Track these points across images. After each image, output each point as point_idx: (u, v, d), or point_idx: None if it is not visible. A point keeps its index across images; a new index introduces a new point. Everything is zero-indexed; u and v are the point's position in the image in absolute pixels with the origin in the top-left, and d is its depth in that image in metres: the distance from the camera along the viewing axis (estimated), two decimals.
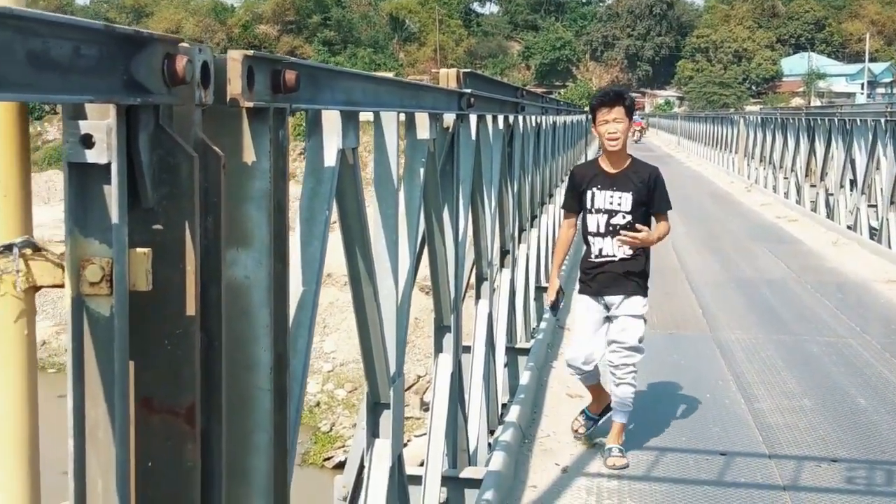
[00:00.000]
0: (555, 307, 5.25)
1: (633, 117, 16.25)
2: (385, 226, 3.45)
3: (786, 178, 19.83)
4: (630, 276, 4.84)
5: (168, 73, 1.54)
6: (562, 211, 5.30)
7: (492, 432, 6.09)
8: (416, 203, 3.86)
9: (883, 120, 13.24)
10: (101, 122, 1.47)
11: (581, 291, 5.03)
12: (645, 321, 4.85)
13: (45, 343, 20.51)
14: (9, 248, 1.50)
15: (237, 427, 1.96)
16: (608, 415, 5.10)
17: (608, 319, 4.90)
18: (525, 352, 7.33)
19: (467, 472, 5.01)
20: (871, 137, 13.73)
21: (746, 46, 79.46)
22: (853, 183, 14.75)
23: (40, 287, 1.55)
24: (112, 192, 1.48)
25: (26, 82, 1.22)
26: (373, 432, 3.54)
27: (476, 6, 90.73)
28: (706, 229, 14.87)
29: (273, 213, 2.02)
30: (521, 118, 7.81)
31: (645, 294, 4.88)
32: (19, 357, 1.55)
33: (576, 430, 5.32)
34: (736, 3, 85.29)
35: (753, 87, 77.93)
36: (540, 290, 8.96)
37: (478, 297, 6.15)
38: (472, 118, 5.24)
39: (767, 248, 12.93)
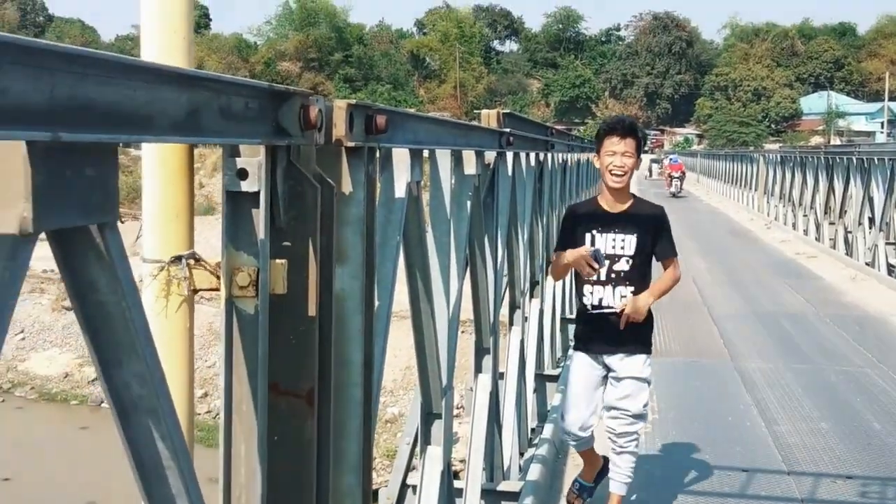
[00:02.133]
0: (596, 253, 4.28)
1: (672, 158, 16.47)
2: (439, 251, 3.83)
3: (805, 215, 20.15)
4: (633, 332, 4.28)
5: (303, 120, 1.93)
6: (554, 254, 4.63)
7: (521, 454, 6.42)
8: (464, 232, 4.24)
9: None
10: (252, 158, 1.86)
11: (576, 348, 4.48)
12: (649, 384, 4.36)
13: (69, 375, 20.82)
14: (178, 259, 1.88)
15: (337, 413, 2.33)
16: (603, 481, 4.64)
17: (605, 379, 4.37)
18: (553, 378, 7.67)
19: (504, 486, 5.35)
20: (889, 175, 14.06)
21: (766, 85, 79.93)
22: (871, 220, 15.06)
23: (199, 290, 1.93)
24: (260, 215, 1.87)
25: (218, 130, 1.61)
26: (426, 440, 3.90)
27: (496, 44, 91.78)
28: (727, 265, 15.18)
29: (365, 236, 2.40)
30: (549, 155, 8.21)
31: (649, 351, 4.34)
32: (182, 342, 1.93)
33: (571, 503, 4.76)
34: (755, 41, 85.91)
35: (773, 126, 78.25)
36: (565, 322, 9.31)
37: (511, 324, 6.51)
38: (509, 155, 5.63)
39: (787, 283, 13.24)
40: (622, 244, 4.29)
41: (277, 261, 1.94)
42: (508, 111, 5.50)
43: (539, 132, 7.47)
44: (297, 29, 72.26)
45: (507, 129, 5.24)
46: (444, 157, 3.78)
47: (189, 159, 1.91)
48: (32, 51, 1.08)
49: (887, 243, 14.18)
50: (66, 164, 1.19)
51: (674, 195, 33.73)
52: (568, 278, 5.52)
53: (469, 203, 4.31)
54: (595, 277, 4.28)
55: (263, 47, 73.84)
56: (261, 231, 1.88)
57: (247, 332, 1.89)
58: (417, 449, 6.01)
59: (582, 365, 4.41)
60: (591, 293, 4.32)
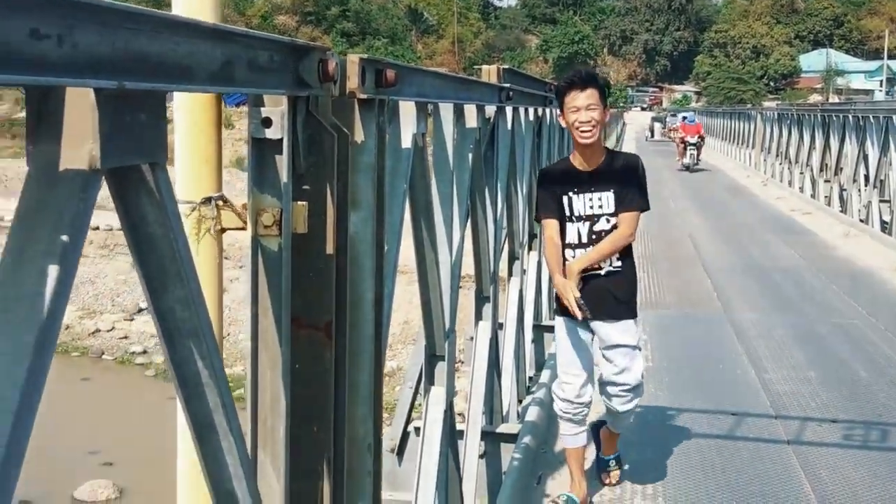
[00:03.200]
0: (582, 304, 3.96)
1: (687, 117, 15.83)
2: (442, 202, 3.99)
3: (801, 172, 20.29)
4: (619, 295, 4.13)
5: (322, 73, 2.08)
6: (542, 219, 4.28)
7: (520, 402, 6.64)
8: (466, 184, 4.40)
9: (895, 117, 13.69)
10: (275, 108, 2.02)
11: (561, 313, 4.21)
12: (640, 350, 4.21)
13: (69, 327, 20.97)
14: (208, 200, 2.05)
15: (351, 347, 2.51)
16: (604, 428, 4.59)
17: (593, 340, 4.24)
18: (550, 329, 7.87)
19: (503, 428, 5.57)
20: (883, 133, 14.18)
21: (765, 42, 79.62)
22: (866, 178, 15.20)
23: (226, 229, 2.10)
24: (283, 160, 2.03)
25: (247, 81, 1.77)
26: (429, 380, 4.09)
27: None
28: (722, 221, 15.36)
29: (375, 183, 2.57)
30: (548, 111, 8.35)
31: (636, 315, 4.20)
32: (212, 276, 2.10)
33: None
34: None
35: (771, 83, 78.09)
36: None
37: (510, 275, 6.70)
38: (509, 110, 5.78)
39: (781, 238, 13.42)
40: (600, 202, 4.09)
41: (298, 203, 2.11)
42: (508, 67, 5.63)
43: (538, 88, 7.60)
44: None
45: (507, 85, 5.38)
46: (446, 111, 3.93)
47: (217, 111, 2.06)
48: (98, 9, 1.24)
49: (881, 200, 14.34)
50: (125, 109, 1.35)
51: (688, 168, 25.13)
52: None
53: (470, 156, 4.47)
54: (576, 240, 4.12)
55: (260, 0, 73.33)
56: (284, 175, 2.04)
57: (271, 268, 2.06)
58: (419, 397, 6.23)
59: (568, 330, 4.19)
60: (573, 257, 4.12)
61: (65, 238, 1.25)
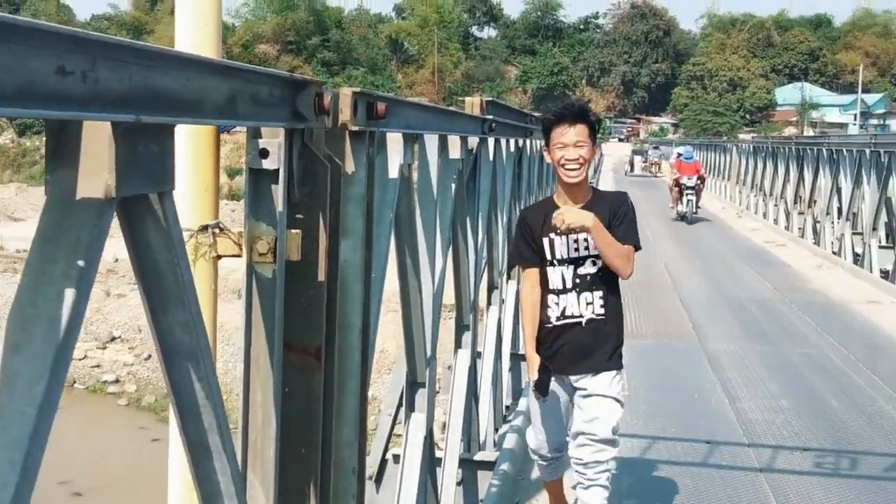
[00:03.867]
0: (543, 386, 3.89)
1: (683, 153, 14.97)
2: (425, 231, 4.07)
3: (776, 204, 20.56)
4: (600, 347, 3.82)
5: (317, 106, 2.17)
6: (520, 268, 4.20)
7: (496, 430, 6.70)
8: (448, 213, 4.48)
9: (867, 150, 13.95)
10: (273, 140, 2.10)
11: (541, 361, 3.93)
12: (621, 405, 3.83)
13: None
14: (205, 228, 2.12)
15: (339, 372, 2.58)
16: None
17: (573, 398, 3.91)
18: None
19: (481, 456, 5.63)
20: (856, 166, 14.43)
21: (741, 75, 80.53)
22: (839, 210, 15.44)
23: (221, 256, 2.17)
24: (279, 189, 2.11)
25: (250, 114, 1.86)
26: (410, 407, 4.15)
27: (474, 30, 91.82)
28: (698, 252, 15.53)
29: (365, 211, 2.65)
30: (528, 141, 8.47)
31: (620, 366, 3.85)
32: (207, 301, 2.17)
33: None
34: (732, 32, 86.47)
35: (747, 116, 78.93)
36: None
37: (488, 304, 6.78)
38: (491, 141, 5.88)
39: (755, 269, 13.59)
40: (585, 244, 3.81)
41: (293, 231, 2.18)
42: (491, 99, 5.75)
43: (519, 119, 7.72)
44: (276, 11, 72.00)
45: (490, 116, 5.49)
46: (431, 142, 4.03)
47: (216, 142, 2.14)
48: (118, 47, 1.32)
49: (854, 233, 14.56)
50: (139, 141, 1.43)
51: (683, 218, 19.73)
52: None
53: (453, 186, 4.56)
54: (559, 285, 3.85)
55: (241, 29, 73.50)
56: (279, 204, 2.12)
57: (265, 293, 2.13)
58: (397, 425, 6.28)
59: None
60: (556, 303, 3.86)
61: (81, 263, 1.32)
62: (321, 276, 2.28)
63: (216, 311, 2.21)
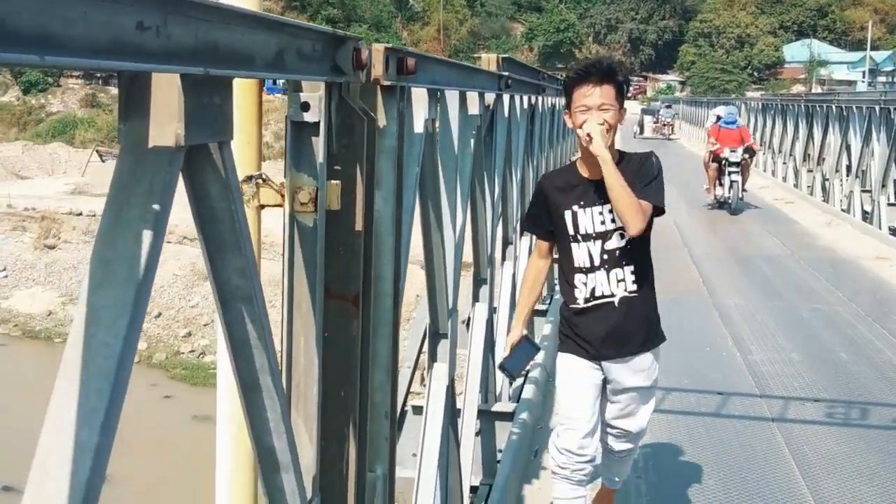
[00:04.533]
0: (510, 367, 3.74)
1: (725, 117, 12.11)
2: (447, 185, 4.15)
3: (784, 162, 20.55)
4: (634, 329, 3.50)
5: (356, 61, 2.24)
6: (517, 252, 3.95)
7: (511, 383, 6.82)
8: (468, 168, 4.56)
9: (877, 108, 13.94)
10: (314, 94, 2.18)
11: (564, 350, 3.60)
12: (656, 389, 3.66)
13: (52, 313, 20.94)
14: (249, 178, 2.21)
15: (373, 318, 2.67)
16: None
17: (605, 385, 3.57)
18: (542, 313, 8.07)
19: (498, 406, 5.76)
20: (865, 124, 14.43)
21: (749, 32, 79.94)
22: (848, 168, 15.46)
23: (265, 206, 2.26)
24: (320, 141, 2.19)
25: (295, 68, 1.93)
26: (433, 357, 4.26)
27: None
28: (706, 210, 15.57)
29: (396, 164, 2.73)
30: (540, 99, 8.52)
31: (658, 345, 3.57)
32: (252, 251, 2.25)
33: None
34: None
35: (755, 74, 78.46)
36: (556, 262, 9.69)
37: (503, 259, 6.87)
38: (506, 98, 5.94)
39: (765, 227, 13.66)
40: (612, 215, 3.42)
41: (332, 182, 2.27)
42: (507, 56, 5.80)
43: (532, 76, 7.77)
44: None
45: (507, 73, 5.55)
46: (452, 98, 4.10)
47: (258, 94, 2.22)
48: (185, 4, 1.40)
49: (862, 190, 14.59)
50: (204, 93, 1.51)
51: (723, 205, 14.81)
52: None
53: (472, 141, 4.63)
54: (586, 263, 3.47)
55: None
56: (320, 155, 2.20)
57: (306, 242, 2.22)
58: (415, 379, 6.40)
59: (575, 372, 3.53)
60: (584, 283, 3.49)
61: (156, 206, 1.41)
62: (359, 226, 2.36)
63: (259, 260, 2.30)
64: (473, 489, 5.01)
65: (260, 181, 2.23)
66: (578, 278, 3.50)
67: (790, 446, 4.85)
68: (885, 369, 6.38)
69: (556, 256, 3.78)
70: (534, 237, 4.28)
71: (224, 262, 1.75)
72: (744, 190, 15.09)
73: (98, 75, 49.76)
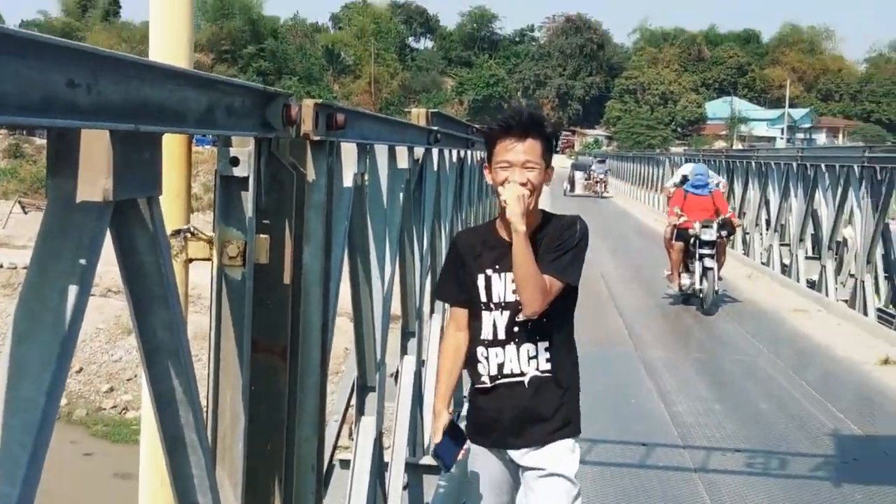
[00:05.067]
0: (445, 454, 3.24)
1: (698, 177, 10.81)
2: (375, 238, 4.19)
3: None
4: (550, 408, 3.04)
5: (286, 117, 2.28)
6: (444, 306, 3.44)
7: None
8: (397, 222, 4.61)
9: (794, 164, 14.41)
10: (243, 149, 2.21)
11: (471, 436, 3.18)
12: (575, 484, 3.03)
13: None
14: (177, 232, 2.21)
15: (301, 371, 2.68)
16: None
17: (520, 473, 3.09)
18: None
19: (426, 460, 5.74)
20: (784, 180, 14.88)
21: (673, 89, 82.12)
22: (768, 222, 15.89)
23: (192, 260, 2.26)
24: (249, 196, 2.21)
25: (225, 124, 1.96)
26: (360, 411, 4.26)
27: (411, 41, 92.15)
28: (632, 262, 15.86)
29: (325, 218, 2.76)
30: (469, 152, 8.63)
31: (576, 433, 3.09)
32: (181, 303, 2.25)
33: None
34: (664, 46, 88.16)
35: (679, 129, 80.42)
36: None
37: (432, 311, 6.90)
38: (435, 152, 6.02)
39: None
40: None
41: (261, 236, 2.29)
42: (437, 110, 5.89)
43: (461, 130, 7.88)
44: (211, 20, 71.41)
45: (436, 128, 5.63)
46: (381, 152, 4.15)
47: (188, 148, 2.24)
48: (116, 61, 1.43)
49: (781, 244, 15.01)
50: (133, 149, 1.53)
51: (689, 298, 11.31)
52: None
53: (402, 195, 4.68)
54: (490, 335, 3.07)
55: None
56: (249, 210, 2.22)
57: (234, 295, 2.23)
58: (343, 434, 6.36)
59: (482, 463, 3.18)
60: (487, 358, 3.08)
61: (83, 261, 1.42)
62: (287, 280, 2.38)
63: (186, 314, 2.30)
64: None
65: (188, 234, 2.24)
66: (481, 352, 3.10)
67: (711, 495, 4.94)
68: (803, 419, 6.55)
69: None
70: (447, 306, 3.84)
71: (150, 316, 1.75)
72: (719, 278, 11.20)
73: (22, 126, 48.88)
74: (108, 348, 20.16)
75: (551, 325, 3.06)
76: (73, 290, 1.39)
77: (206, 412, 2.29)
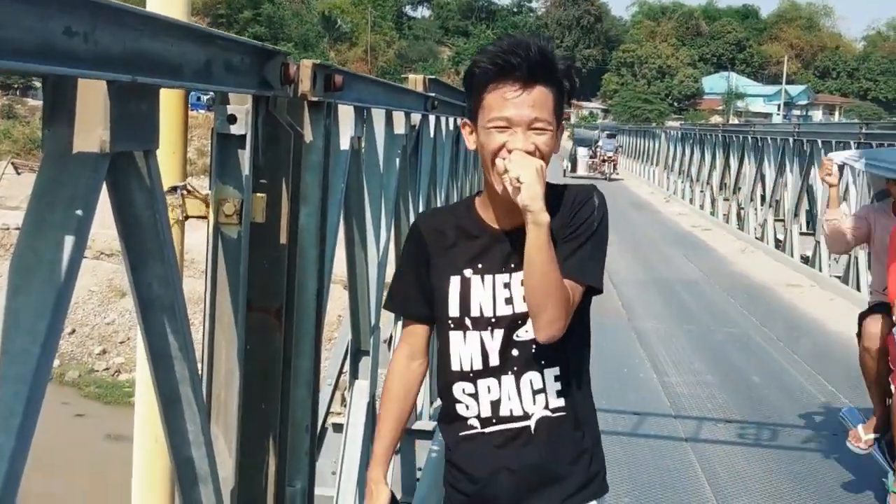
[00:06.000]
0: None
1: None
2: (371, 203, 4.18)
3: (702, 191, 21.03)
4: (569, 461, 2.15)
5: (283, 76, 2.26)
6: (396, 314, 3.03)
7: (432, 402, 6.84)
8: (393, 187, 4.59)
9: (791, 139, 14.38)
10: (241, 107, 2.19)
11: (449, 499, 2.26)
12: None
13: None
14: (174, 189, 2.20)
15: (295, 333, 2.68)
16: None
17: None
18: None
19: (419, 424, 5.76)
20: (780, 155, 14.87)
21: (670, 63, 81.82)
22: (763, 197, 15.90)
23: (189, 217, 2.25)
24: (246, 154, 2.20)
25: (222, 80, 1.94)
26: (354, 374, 4.27)
27: (408, 10, 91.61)
28: (628, 235, 15.86)
29: (321, 180, 2.75)
30: None
31: (604, 490, 2.20)
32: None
33: None
34: (662, 20, 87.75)
35: (675, 104, 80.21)
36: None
37: None
38: (432, 118, 5.99)
39: (683, 252, 13.96)
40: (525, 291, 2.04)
41: (258, 194, 2.28)
42: (434, 77, 5.86)
43: (458, 98, 7.84)
44: None
45: (433, 94, 5.60)
46: (378, 117, 4.12)
47: (184, 105, 2.22)
48: (115, 10, 1.40)
49: (776, 220, 15.02)
50: (130, 100, 1.51)
51: None
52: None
53: (398, 161, 4.67)
54: (479, 363, 2.12)
55: None
56: (246, 167, 2.20)
57: (230, 254, 2.22)
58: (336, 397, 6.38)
59: None
60: (475, 395, 2.13)
61: (79, 212, 1.40)
62: (283, 239, 2.37)
63: (181, 271, 2.29)
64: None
65: (185, 192, 2.23)
66: (462, 388, 2.14)
67: (702, 465, 4.97)
68: (794, 392, 6.58)
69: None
70: (399, 322, 3.03)
71: (146, 270, 1.74)
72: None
73: (15, 86, 48.59)
74: (101, 311, 20.15)
75: (564, 344, 2.08)
76: (68, 242, 1.38)
77: (201, 370, 2.29)
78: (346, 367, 4.47)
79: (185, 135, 2.26)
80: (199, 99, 28.47)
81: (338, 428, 5.17)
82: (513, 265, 2.10)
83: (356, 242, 3.84)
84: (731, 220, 17.56)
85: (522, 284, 2.06)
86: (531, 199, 1.95)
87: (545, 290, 2.01)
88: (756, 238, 15.46)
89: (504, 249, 2.12)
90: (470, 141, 2.12)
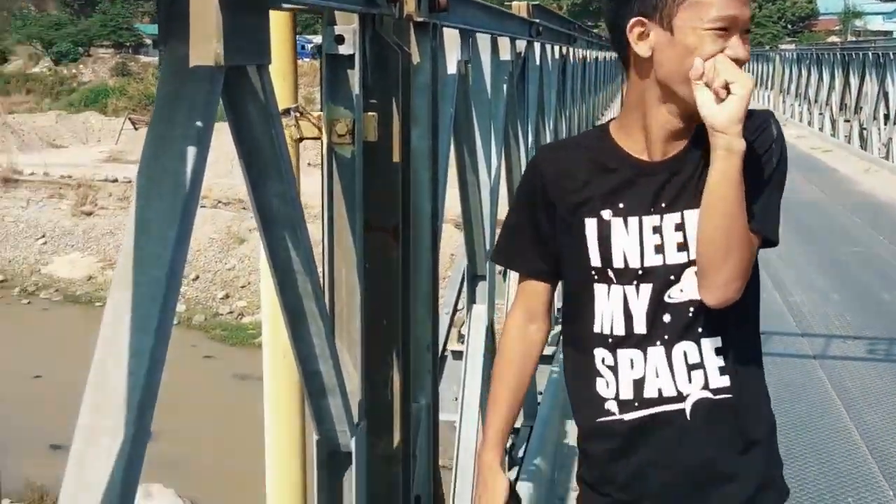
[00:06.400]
0: None
1: None
2: (480, 128, 4.17)
3: (821, 113, 20.30)
4: (737, 454, 1.75)
5: None
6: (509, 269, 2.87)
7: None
8: (502, 114, 4.57)
9: None
10: (348, 26, 2.20)
11: (585, 498, 1.89)
12: None
13: (92, 278, 21.23)
14: (287, 111, 2.24)
15: (413, 253, 2.71)
16: None
17: None
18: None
19: None
20: None
21: None
22: (886, 116, 15.24)
23: (304, 138, 2.29)
24: (356, 73, 2.22)
25: None
26: (471, 299, 4.31)
27: None
28: None
29: (430, 102, 2.76)
30: (572, 50, 8.47)
31: (785, 495, 1.78)
32: None
33: None
34: None
35: (789, 26, 77.20)
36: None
37: None
38: (538, 46, 5.92)
39: (802, 174, 13.53)
40: (681, 236, 1.70)
41: (369, 113, 2.30)
42: (537, 3, 5.78)
43: (563, 26, 7.72)
44: None
45: (538, 20, 5.53)
46: (484, 43, 4.09)
47: (292, 31, 2.25)
48: None
49: None
50: (242, 13, 1.54)
51: None
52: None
53: (505, 87, 4.64)
54: (620, 329, 1.74)
55: None
56: (356, 87, 2.22)
57: (345, 174, 2.25)
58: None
59: None
60: (614, 368, 1.76)
61: (199, 123, 1.44)
62: (396, 157, 2.39)
63: (299, 192, 2.34)
64: (515, 430, 5.06)
65: (298, 113, 2.26)
66: (602, 358, 1.77)
67: (832, 381, 4.89)
68: None
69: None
70: (514, 276, 2.85)
71: (265, 187, 1.78)
72: None
73: (127, 44, 49.92)
74: (222, 257, 20.76)
75: (729, 307, 1.66)
76: (190, 152, 1.41)
77: (323, 289, 2.35)
78: (464, 294, 4.51)
79: (295, 58, 2.29)
80: (303, 48, 28.81)
81: (457, 355, 5.23)
82: (663, 204, 1.71)
83: (467, 167, 3.84)
84: (853, 141, 16.90)
85: (679, 227, 1.69)
86: (730, 118, 1.59)
87: (728, 241, 1.61)
88: (881, 157, 14.86)
89: (652, 185, 1.72)
90: (643, 46, 1.68)
